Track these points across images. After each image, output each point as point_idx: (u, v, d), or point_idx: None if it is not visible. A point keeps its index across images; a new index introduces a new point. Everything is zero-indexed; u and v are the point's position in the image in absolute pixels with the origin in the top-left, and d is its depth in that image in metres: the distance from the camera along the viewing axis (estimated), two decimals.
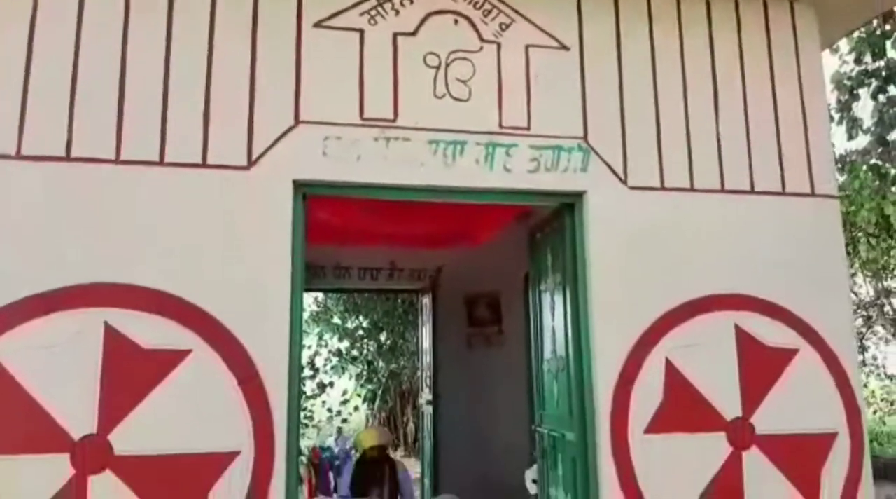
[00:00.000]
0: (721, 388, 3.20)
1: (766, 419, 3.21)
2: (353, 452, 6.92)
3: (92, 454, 2.55)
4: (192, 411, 2.68)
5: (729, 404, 3.20)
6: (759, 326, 3.29)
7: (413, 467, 6.98)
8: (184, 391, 2.68)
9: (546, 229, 3.72)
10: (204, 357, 2.72)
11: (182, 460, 2.64)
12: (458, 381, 6.72)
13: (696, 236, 3.33)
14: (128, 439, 2.60)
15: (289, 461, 2.77)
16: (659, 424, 3.10)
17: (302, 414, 9.44)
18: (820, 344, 3.36)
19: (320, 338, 10.78)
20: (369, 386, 11.49)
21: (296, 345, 2.87)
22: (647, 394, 3.12)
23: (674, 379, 3.15)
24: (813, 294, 3.41)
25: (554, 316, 3.57)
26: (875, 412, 11.23)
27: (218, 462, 2.67)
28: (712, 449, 3.14)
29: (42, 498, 2.50)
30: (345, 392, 10.20)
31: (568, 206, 3.33)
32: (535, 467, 3.99)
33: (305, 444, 9.37)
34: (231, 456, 2.68)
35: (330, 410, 9.92)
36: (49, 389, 2.57)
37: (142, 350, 2.67)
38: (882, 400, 11.75)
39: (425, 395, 6.88)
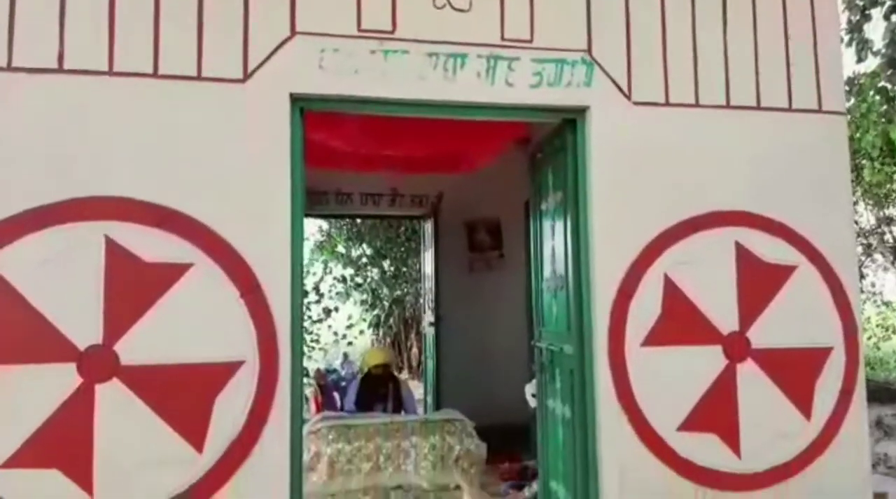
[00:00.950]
0: (718, 303, 3.23)
1: (763, 334, 3.25)
2: (359, 375, 7.08)
3: (98, 364, 2.61)
4: (196, 322, 2.72)
5: (726, 319, 3.24)
6: (760, 242, 3.30)
7: (416, 390, 7.16)
8: (187, 304, 2.71)
9: (547, 149, 3.67)
10: (206, 270, 2.74)
11: (188, 369, 2.70)
12: (460, 304, 6.81)
13: (700, 153, 3.29)
14: (134, 349, 2.65)
15: (293, 371, 2.83)
16: (656, 337, 3.14)
17: (308, 337, 9.75)
18: (820, 261, 3.37)
19: (325, 266, 10.86)
20: (374, 312, 11.67)
21: (297, 258, 2.89)
22: (645, 309, 3.16)
23: (672, 294, 3.18)
24: (816, 212, 3.40)
25: (554, 235, 3.58)
26: (870, 338, 11.40)
27: (223, 372, 2.73)
28: (708, 362, 3.20)
29: (51, 406, 2.56)
30: (350, 317, 10.34)
31: (570, 122, 3.28)
32: (534, 381, 4.08)
33: (312, 366, 9.62)
34: (236, 366, 2.74)
35: (336, 333, 10.11)
36: (53, 301, 2.60)
37: (143, 263, 2.68)
38: (878, 326, 11.91)
39: (428, 317, 6.98)
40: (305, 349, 9.66)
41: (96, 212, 2.67)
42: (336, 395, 6.94)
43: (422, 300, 7.54)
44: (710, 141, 3.31)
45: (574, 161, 3.27)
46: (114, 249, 2.67)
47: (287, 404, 2.79)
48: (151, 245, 2.70)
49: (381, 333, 12.17)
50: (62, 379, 2.59)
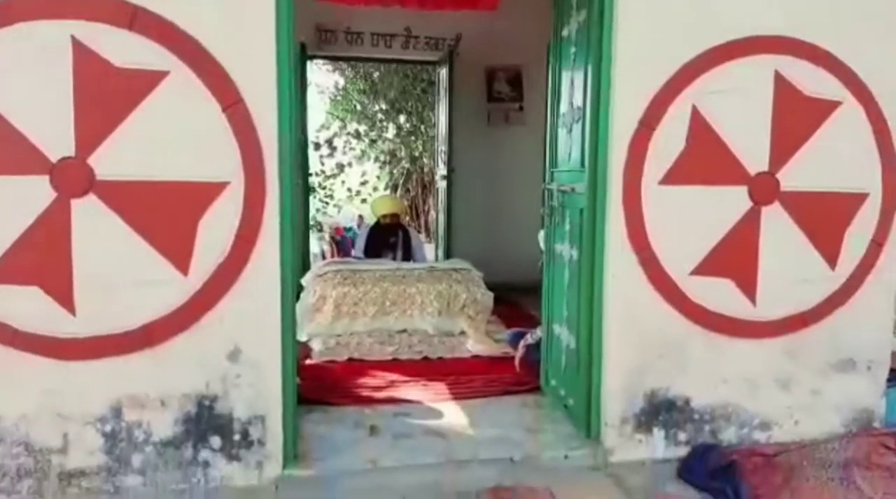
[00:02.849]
0: (749, 139, 2.94)
1: (794, 175, 2.98)
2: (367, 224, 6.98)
3: (72, 177, 2.43)
4: (175, 137, 2.51)
5: (755, 157, 2.96)
6: (802, 73, 2.95)
7: (431, 252, 7.07)
8: (165, 116, 2.49)
9: None
10: (183, 80, 2.48)
11: (168, 187, 2.52)
12: (474, 157, 6.56)
13: None
14: (109, 163, 2.46)
15: (282, 195, 2.64)
16: (676, 175, 2.89)
17: (322, 193, 9.62)
18: (867, 99, 3.03)
19: (343, 123, 10.50)
20: (392, 171, 11.43)
21: (285, 73, 2.61)
22: (667, 143, 2.88)
23: (699, 128, 2.89)
24: (868, 44, 3.01)
25: (574, 62, 3.24)
26: None
27: (206, 193, 2.56)
28: (731, 203, 2.97)
29: (26, 220, 2.42)
30: (363, 173, 10.14)
31: None
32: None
33: (329, 222, 9.57)
34: (219, 187, 2.56)
35: (350, 190, 9.97)
36: (19, 108, 2.39)
37: (115, 69, 2.43)
38: None
39: (440, 170, 6.75)
40: (319, 205, 9.64)
41: (59, 9, 2.39)
42: (353, 251, 6.89)
43: (434, 152, 7.28)
44: None
45: None
46: (82, 52, 2.41)
47: (276, 229, 2.63)
48: (122, 48, 2.43)
49: (398, 195, 12.02)
50: (35, 191, 2.43)
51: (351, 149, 10.22)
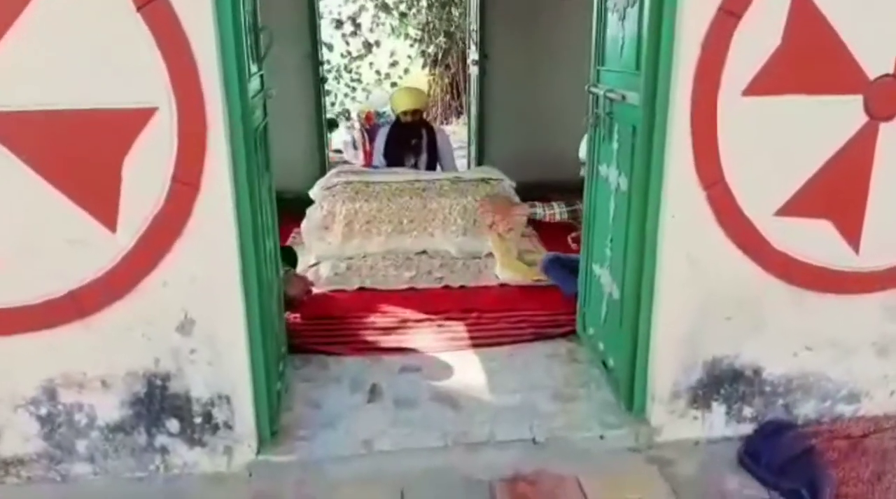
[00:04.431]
0: (872, 32, 2.11)
1: None
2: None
3: None
4: (77, 50, 1.86)
5: (877, 56, 2.14)
6: None
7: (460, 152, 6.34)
8: (54, 22, 1.83)
9: None
10: None
11: (76, 118, 1.90)
12: (511, 40, 5.65)
13: None
14: None
15: (231, 120, 2.00)
16: (767, 81, 2.11)
17: (348, 76, 8.79)
18: None
19: None
20: (427, 49, 10.45)
21: None
22: (758, 38, 2.08)
23: (802, 16, 2.06)
24: None
25: None
26: None
27: (126, 123, 1.93)
28: (838, 119, 2.18)
29: None
30: (392, 53, 9.21)
31: None
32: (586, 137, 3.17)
33: (357, 108, 8.81)
34: (144, 114, 1.92)
35: (378, 72, 9.12)
36: None
37: None
38: None
39: (472, 54, 5.89)
40: (346, 89, 8.84)
41: None
42: (373, 156, 6.21)
43: (468, 31, 6.35)
44: None
45: None
46: None
47: (226, 167, 2.01)
48: None
49: (437, 72, 11.08)
50: None
51: (379, 25, 9.24)
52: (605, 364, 2.76)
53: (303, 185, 4.84)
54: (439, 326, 3.26)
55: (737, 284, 2.30)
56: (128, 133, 1.93)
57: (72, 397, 2.15)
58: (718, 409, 2.44)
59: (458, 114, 11.02)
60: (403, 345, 3.07)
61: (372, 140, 7.62)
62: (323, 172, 5.74)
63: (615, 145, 2.60)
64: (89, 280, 2.04)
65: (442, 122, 10.70)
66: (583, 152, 3.41)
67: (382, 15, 9.31)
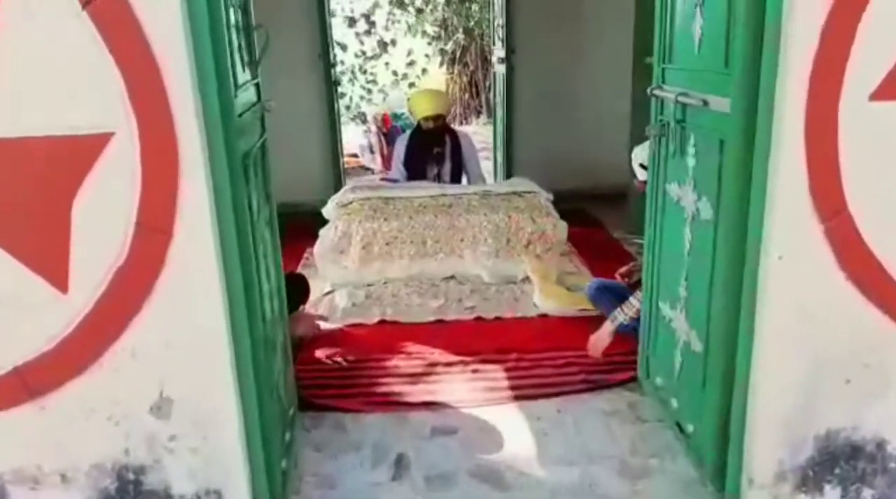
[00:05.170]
0: None
1: None
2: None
3: None
4: (9, 62, 1.42)
5: None
6: None
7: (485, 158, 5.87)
8: None
9: None
10: None
11: (9, 149, 1.46)
12: (541, 32, 5.16)
13: None
14: None
15: (213, 153, 1.55)
16: None
17: (363, 78, 8.33)
18: None
19: None
20: (445, 47, 9.99)
21: None
22: (891, 25, 1.59)
23: None
24: None
25: None
26: None
27: (76, 153, 1.48)
28: None
29: None
30: (409, 52, 8.73)
31: None
32: (646, 145, 2.69)
33: (374, 111, 8.37)
34: (97, 142, 1.48)
35: (395, 73, 8.65)
36: None
37: None
38: None
39: (497, 50, 5.41)
40: (361, 91, 8.38)
41: None
42: (392, 168, 5.78)
43: (492, 26, 5.87)
44: None
45: None
46: None
47: (206, 206, 1.56)
48: None
49: (455, 71, 10.62)
50: None
51: (394, 23, 8.78)
52: (680, 427, 2.27)
53: (317, 196, 4.41)
54: (474, 372, 2.79)
55: (860, 338, 1.81)
56: (77, 167, 1.49)
57: (25, 497, 1.72)
58: (832, 492, 1.94)
59: (478, 113, 10.60)
60: (433, 397, 2.60)
61: (389, 143, 7.18)
62: (338, 181, 5.31)
63: (691, 162, 2.11)
64: (38, 352, 1.60)
65: (462, 122, 10.28)
66: (638, 159, 2.92)
67: (398, 12, 8.85)
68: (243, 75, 1.92)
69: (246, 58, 2.00)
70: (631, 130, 4.19)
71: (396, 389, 2.68)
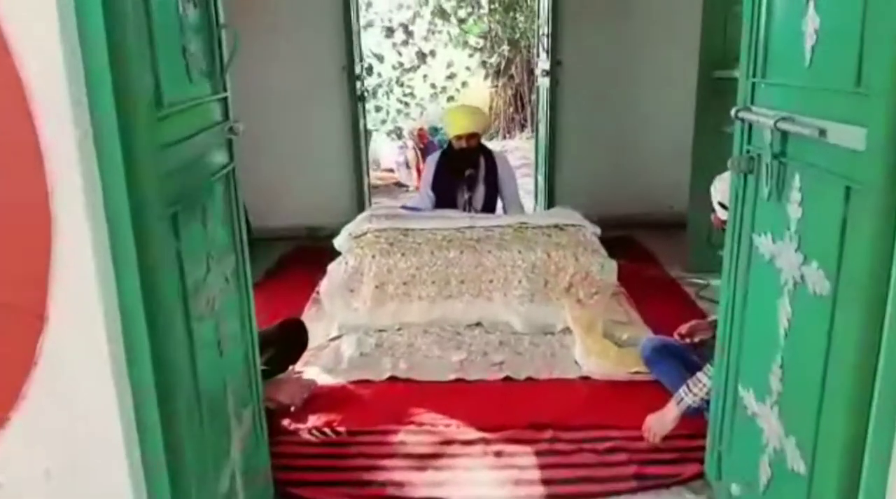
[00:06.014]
0: None
1: None
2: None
3: None
4: None
5: None
6: None
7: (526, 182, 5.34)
8: None
9: None
10: None
11: None
12: (590, 42, 4.64)
13: None
14: None
15: (108, 200, 1.07)
16: None
17: (400, 91, 7.90)
18: None
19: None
20: (490, 59, 9.55)
21: None
22: None
23: None
24: None
25: None
26: None
27: None
28: None
29: None
30: (449, 65, 8.26)
31: None
32: (725, 176, 2.14)
33: (409, 126, 7.94)
34: None
35: (434, 86, 8.19)
36: None
37: None
38: None
39: (541, 62, 4.88)
40: (398, 105, 7.95)
41: None
42: (418, 193, 5.33)
43: (536, 35, 5.35)
44: None
45: None
46: None
47: (97, 279, 1.08)
48: None
49: (500, 84, 10.16)
50: None
51: (435, 33, 8.34)
52: None
53: (338, 219, 3.96)
54: (497, 455, 2.25)
55: None
56: None
57: None
58: None
59: (522, 127, 10.17)
60: (441, 493, 2.07)
61: (426, 159, 6.75)
62: (362, 203, 4.86)
63: (794, 211, 1.55)
64: None
65: (505, 136, 9.85)
66: (718, 196, 2.36)
67: (439, 22, 8.39)
68: (193, 89, 1.46)
69: (203, 66, 1.54)
70: (693, 150, 3.63)
71: (397, 476, 2.16)
